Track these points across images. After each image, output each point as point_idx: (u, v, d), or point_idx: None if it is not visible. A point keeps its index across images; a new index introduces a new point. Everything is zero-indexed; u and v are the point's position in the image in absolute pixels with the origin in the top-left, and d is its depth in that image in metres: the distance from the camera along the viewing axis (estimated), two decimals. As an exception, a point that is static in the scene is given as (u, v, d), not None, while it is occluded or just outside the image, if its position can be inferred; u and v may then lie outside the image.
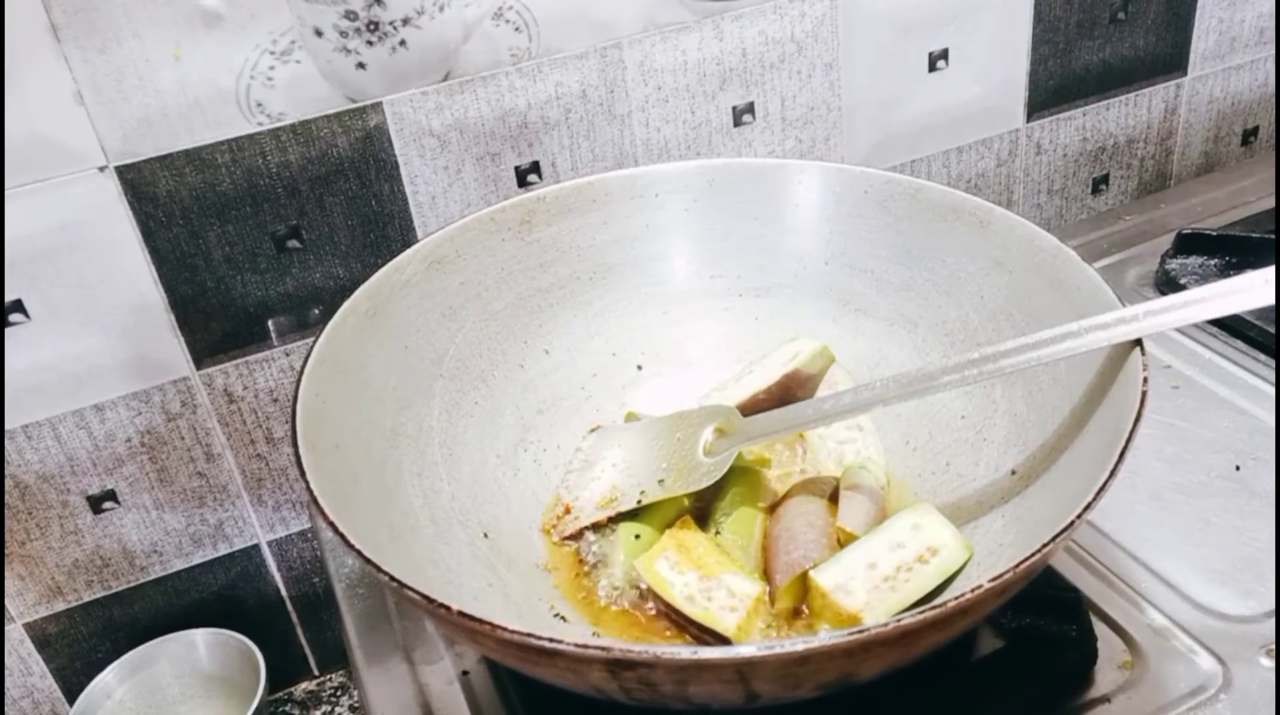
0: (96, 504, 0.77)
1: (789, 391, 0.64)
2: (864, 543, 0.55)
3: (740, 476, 0.62)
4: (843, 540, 0.57)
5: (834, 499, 0.60)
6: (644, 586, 0.56)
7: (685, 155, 0.84)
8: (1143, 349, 0.50)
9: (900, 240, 0.66)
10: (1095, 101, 0.98)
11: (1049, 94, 0.95)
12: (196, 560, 0.82)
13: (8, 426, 0.72)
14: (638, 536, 0.59)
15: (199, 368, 0.75)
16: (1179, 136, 1.05)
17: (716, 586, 0.54)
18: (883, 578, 0.52)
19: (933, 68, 0.89)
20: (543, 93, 0.77)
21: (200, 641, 0.81)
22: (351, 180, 0.74)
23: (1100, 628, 0.56)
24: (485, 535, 0.59)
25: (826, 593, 0.52)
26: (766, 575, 0.56)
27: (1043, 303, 0.58)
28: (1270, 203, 0.91)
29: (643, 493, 0.60)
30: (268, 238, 0.74)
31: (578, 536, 0.60)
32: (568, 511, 0.61)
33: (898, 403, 0.56)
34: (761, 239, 0.69)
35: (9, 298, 0.69)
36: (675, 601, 0.53)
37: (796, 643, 0.39)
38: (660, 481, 0.60)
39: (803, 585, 0.54)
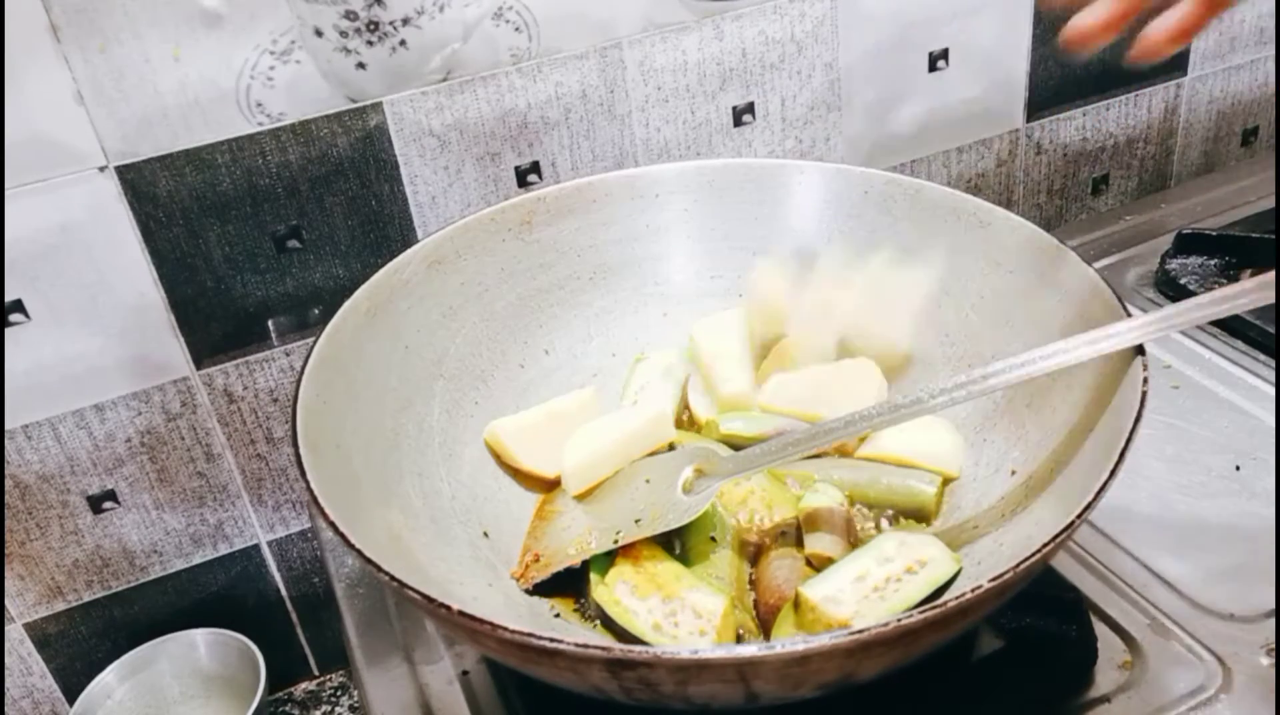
0: (96, 504, 0.77)
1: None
2: (852, 559, 0.54)
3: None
4: (818, 565, 0.56)
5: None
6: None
7: (685, 155, 0.84)
8: (1143, 352, 0.50)
9: (900, 240, 0.66)
10: (1095, 101, 0.98)
11: (1049, 94, 0.95)
12: (196, 560, 0.82)
13: (8, 426, 0.72)
14: (605, 554, 0.57)
15: (199, 368, 0.75)
16: (1179, 136, 1.05)
17: (681, 608, 0.52)
18: (872, 589, 0.52)
19: (933, 67, 0.89)
20: (543, 93, 0.77)
21: (200, 641, 0.80)
22: (351, 180, 0.74)
23: (1100, 628, 0.56)
24: (485, 535, 0.59)
25: (815, 605, 0.51)
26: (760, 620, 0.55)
27: (1043, 303, 0.58)
28: (1270, 203, 0.91)
29: (619, 533, 0.57)
30: (268, 238, 0.74)
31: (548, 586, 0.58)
32: (537, 560, 0.58)
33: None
34: (762, 239, 0.69)
35: (9, 298, 0.69)
36: (643, 634, 0.52)
37: (797, 643, 0.39)
38: (637, 521, 0.57)
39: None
